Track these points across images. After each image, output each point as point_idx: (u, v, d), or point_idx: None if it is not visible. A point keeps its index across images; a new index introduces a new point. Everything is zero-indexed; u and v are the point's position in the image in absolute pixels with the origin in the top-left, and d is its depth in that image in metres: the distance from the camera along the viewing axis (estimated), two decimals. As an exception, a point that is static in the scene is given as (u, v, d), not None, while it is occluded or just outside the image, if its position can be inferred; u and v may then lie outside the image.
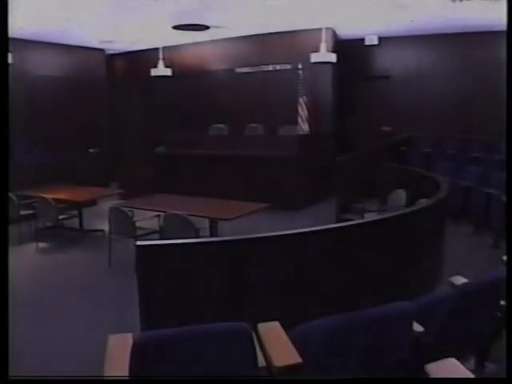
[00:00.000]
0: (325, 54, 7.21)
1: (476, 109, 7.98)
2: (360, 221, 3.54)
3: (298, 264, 2.57)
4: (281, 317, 1.82)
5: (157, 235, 4.85)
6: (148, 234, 4.78)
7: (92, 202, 7.30)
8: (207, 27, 7.65)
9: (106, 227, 6.20)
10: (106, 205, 7.47)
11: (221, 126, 9.18)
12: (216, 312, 2.16)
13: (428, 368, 1.42)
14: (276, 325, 1.74)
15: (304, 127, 8.20)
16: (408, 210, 3.58)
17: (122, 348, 1.61)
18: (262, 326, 1.71)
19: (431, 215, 3.54)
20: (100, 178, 8.31)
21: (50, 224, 6.21)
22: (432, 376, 1.37)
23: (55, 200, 5.64)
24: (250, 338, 1.46)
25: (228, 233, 4.71)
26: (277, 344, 1.63)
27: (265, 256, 2.43)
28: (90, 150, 9.44)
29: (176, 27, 7.67)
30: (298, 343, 1.66)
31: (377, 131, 8.84)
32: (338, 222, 6.20)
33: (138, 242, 2.25)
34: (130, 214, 4.77)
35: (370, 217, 5.31)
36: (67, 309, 3.86)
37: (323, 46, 7.15)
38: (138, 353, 1.37)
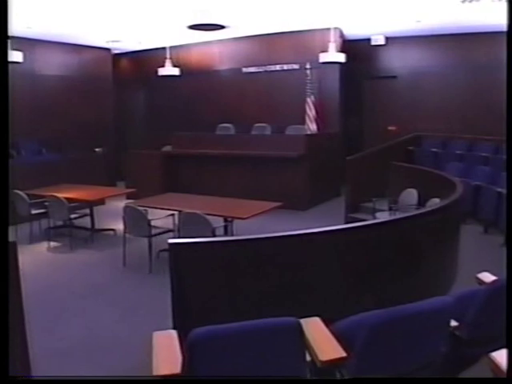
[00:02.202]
0: (334, 54, 7.24)
1: (483, 109, 8.03)
2: (385, 219, 3.57)
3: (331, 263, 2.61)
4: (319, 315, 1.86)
5: (171, 234, 4.89)
6: (163, 233, 4.81)
7: (100, 202, 7.33)
8: (222, 27, 7.67)
9: (115, 226, 6.25)
10: (114, 204, 7.53)
11: (228, 125, 9.22)
12: (251, 310, 2.19)
13: (492, 356, 1.46)
14: (317, 320, 1.78)
15: (312, 127, 8.25)
16: (429, 208, 3.61)
17: (169, 344, 1.65)
18: (303, 322, 1.74)
19: (449, 214, 3.58)
20: (106, 178, 8.32)
21: (60, 223, 6.23)
22: (498, 364, 1.40)
23: (66, 199, 5.66)
24: (299, 332, 1.49)
25: (242, 232, 4.74)
26: (320, 339, 1.67)
27: (299, 254, 2.46)
28: (96, 150, 9.46)
29: (191, 27, 7.70)
30: (340, 338, 1.70)
31: (383, 131, 8.89)
32: (347, 221, 6.24)
33: (171, 240, 2.27)
34: (144, 212, 4.79)
35: (381, 216, 5.36)
36: (85, 309, 3.86)
37: (332, 46, 7.17)
38: (194, 348, 1.40)
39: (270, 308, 2.23)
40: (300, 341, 1.50)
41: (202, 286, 2.29)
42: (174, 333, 1.73)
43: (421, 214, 3.35)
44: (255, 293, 2.38)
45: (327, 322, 1.78)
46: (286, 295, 2.47)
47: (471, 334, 1.95)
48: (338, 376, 1.61)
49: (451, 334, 1.87)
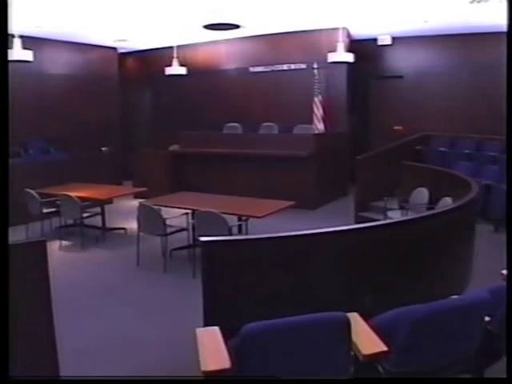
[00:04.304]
0: (342, 54, 7.28)
1: (488, 109, 8.06)
2: (405, 218, 3.60)
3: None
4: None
5: (185, 233, 4.92)
6: (177, 232, 4.83)
7: (109, 201, 7.34)
8: (237, 26, 7.70)
9: (126, 225, 6.27)
10: (122, 203, 7.55)
11: (235, 124, 9.23)
12: (282, 309, 2.22)
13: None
14: (356, 316, 1.82)
15: (319, 126, 8.30)
16: (446, 208, 3.64)
17: (215, 340, 1.68)
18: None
19: (465, 213, 3.61)
20: (112, 177, 8.32)
21: (71, 222, 6.24)
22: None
23: (78, 198, 5.67)
24: (347, 327, 1.53)
25: (255, 231, 4.75)
26: (361, 333, 1.70)
27: (328, 253, 2.49)
28: (103, 149, 9.47)
29: (206, 26, 7.74)
30: (379, 332, 1.74)
31: (389, 130, 8.93)
32: (357, 220, 6.28)
33: (203, 238, 2.30)
34: (159, 211, 4.81)
35: (393, 215, 5.40)
36: (101, 308, 3.86)
37: (340, 46, 7.21)
38: (246, 343, 1.43)
39: (302, 308, 2.26)
40: (348, 335, 1.54)
41: (235, 283, 2.30)
42: (217, 329, 1.75)
43: (439, 213, 3.38)
44: (291, 294, 2.40)
45: (366, 318, 1.82)
46: (302, 295, 2.47)
47: (502, 328, 1.99)
48: (380, 369, 1.65)
49: (485, 328, 1.91)
